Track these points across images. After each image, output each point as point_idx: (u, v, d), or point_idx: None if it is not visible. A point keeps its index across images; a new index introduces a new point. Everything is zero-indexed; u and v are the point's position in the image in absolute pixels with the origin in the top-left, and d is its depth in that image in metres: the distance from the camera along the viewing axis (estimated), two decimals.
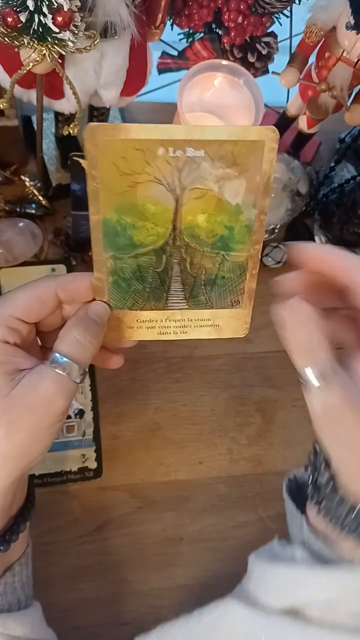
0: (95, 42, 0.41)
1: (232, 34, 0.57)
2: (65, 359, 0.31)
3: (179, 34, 0.61)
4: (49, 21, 0.37)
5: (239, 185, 0.32)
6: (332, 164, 0.64)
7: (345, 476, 0.32)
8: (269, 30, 0.59)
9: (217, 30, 0.59)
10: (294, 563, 0.34)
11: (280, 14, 0.57)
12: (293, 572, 0.34)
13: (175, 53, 0.62)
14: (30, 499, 0.36)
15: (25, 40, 0.39)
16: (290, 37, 0.63)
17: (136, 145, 0.29)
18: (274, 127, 0.31)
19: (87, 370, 0.32)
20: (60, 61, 0.43)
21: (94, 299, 0.34)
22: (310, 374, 0.30)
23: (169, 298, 0.35)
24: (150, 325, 0.35)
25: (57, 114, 0.57)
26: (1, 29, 0.38)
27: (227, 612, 0.35)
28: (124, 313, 0.35)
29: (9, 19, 0.37)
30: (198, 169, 0.31)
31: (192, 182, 0.31)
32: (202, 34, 0.60)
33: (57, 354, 0.31)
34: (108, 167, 0.30)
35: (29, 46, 0.39)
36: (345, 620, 0.32)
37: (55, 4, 0.36)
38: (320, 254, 0.33)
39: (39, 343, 0.36)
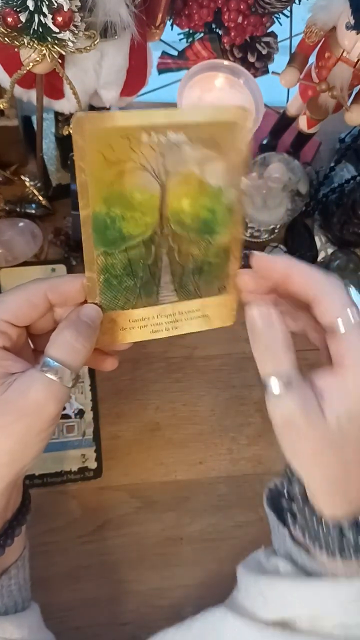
0: (95, 42, 0.41)
1: (232, 34, 0.57)
2: (56, 363, 0.30)
3: (179, 34, 0.61)
4: (49, 21, 0.37)
5: (218, 167, 0.32)
6: (332, 164, 0.64)
7: (311, 490, 0.32)
8: (269, 30, 0.59)
9: (217, 30, 0.59)
10: (278, 577, 0.34)
11: (280, 14, 0.57)
12: (276, 586, 0.33)
13: (175, 53, 0.62)
14: (25, 503, 0.35)
15: (25, 40, 0.39)
16: (290, 37, 0.63)
17: (121, 132, 0.29)
18: (245, 106, 0.32)
19: (79, 374, 0.32)
20: (60, 61, 0.43)
21: (85, 301, 0.34)
22: (273, 380, 0.30)
23: (160, 291, 0.35)
24: (142, 324, 0.35)
25: (57, 114, 0.57)
26: (1, 29, 0.38)
27: (218, 621, 0.35)
28: (117, 314, 0.34)
29: (9, 19, 0.37)
30: (180, 152, 0.31)
31: (175, 166, 0.31)
32: (202, 34, 0.60)
33: (48, 358, 0.30)
34: (96, 158, 0.30)
35: (29, 46, 0.39)
36: (334, 631, 0.31)
37: (55, 4, 0.36)
38: (285, 269, 0.32)
39: (32, 346, 0.36)
